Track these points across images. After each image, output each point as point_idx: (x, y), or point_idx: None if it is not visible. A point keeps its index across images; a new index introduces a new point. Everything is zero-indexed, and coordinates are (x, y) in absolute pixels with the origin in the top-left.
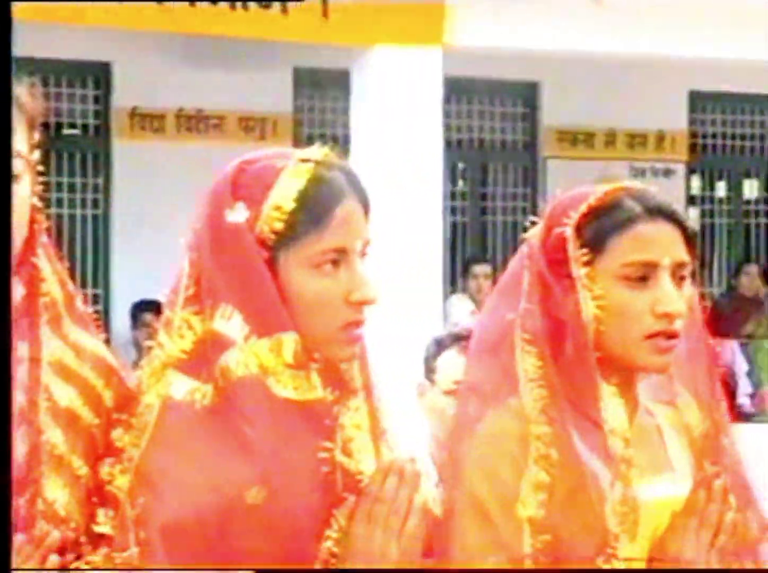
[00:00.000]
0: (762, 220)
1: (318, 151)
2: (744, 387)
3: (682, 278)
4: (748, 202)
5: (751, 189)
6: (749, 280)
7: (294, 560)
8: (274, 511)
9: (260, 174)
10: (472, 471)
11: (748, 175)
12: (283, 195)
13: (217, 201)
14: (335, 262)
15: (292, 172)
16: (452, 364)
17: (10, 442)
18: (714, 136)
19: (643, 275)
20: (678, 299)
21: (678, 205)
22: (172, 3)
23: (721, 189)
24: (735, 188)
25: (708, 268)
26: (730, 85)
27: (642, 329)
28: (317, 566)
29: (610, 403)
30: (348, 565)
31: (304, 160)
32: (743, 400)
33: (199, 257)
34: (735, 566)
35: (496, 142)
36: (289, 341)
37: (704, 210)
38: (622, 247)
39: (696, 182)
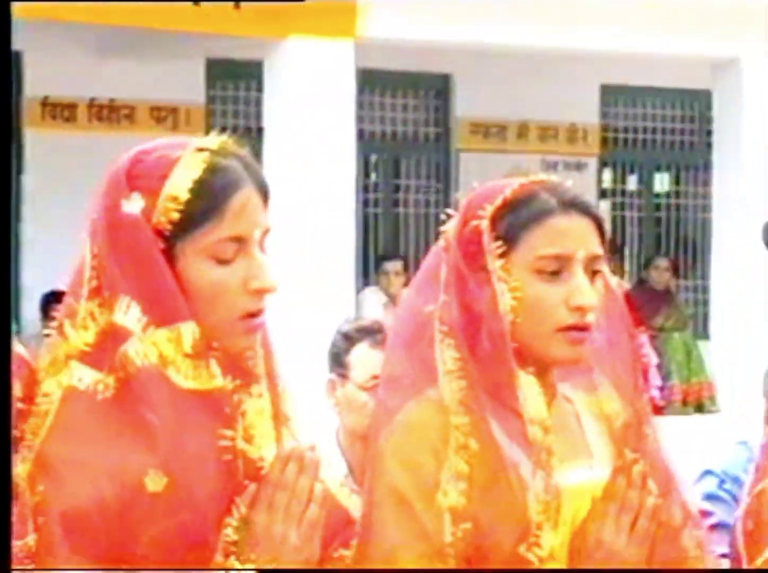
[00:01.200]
0: (672, 214)
1: (214, 140)
2: (653, 379)
3: (595, 272)
4: (658, 195)
5: (661, 182)
6: (659, 273)
7: (195, 548)
8: (175, 499)
9: (156, 164)
10: (392, 462)
11: (658, 169)
12: (179, 185)
13: (112, 191)
14: (233, 252)
15: (188, 162)
16: (367, 358)
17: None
18: (625, 129)
19: (557, 268)
20: (591, 292)
21: (589, 198)
22: None
23: (632, 182)
24: (646, 182)
25: (619, 260)
26: (641, 78)
27: (555, 322)
28: (218, 554)
29: (529, 392)
30: (248, 552)
31: (200, 150)
32: (653, 392)
33: (98, 248)
34: (657, 553)
35: (408, 134)
36: (188, 331)
37: (615, 203)
38: (537, 240)
39: (607, 175)
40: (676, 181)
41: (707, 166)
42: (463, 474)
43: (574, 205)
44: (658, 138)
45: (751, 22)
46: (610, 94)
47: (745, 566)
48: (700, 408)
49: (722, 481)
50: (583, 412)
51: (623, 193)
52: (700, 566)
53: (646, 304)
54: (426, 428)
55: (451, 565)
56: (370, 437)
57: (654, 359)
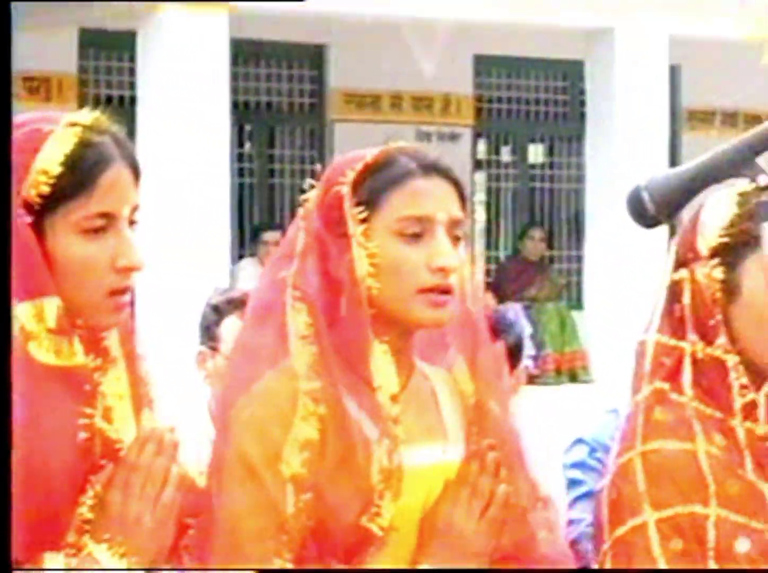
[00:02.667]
0: (546, 185)
1: (87, 115)
2: (527, 349)
3: (456, 238)
4: (533, 166)
5: (535, 154)
6: (534, 244)
7: (48, 524)
8: (28, 473)
9: (27, 138)
10: (241, 430)
11: (533, 140)
12: (50, 159)
13: None
14: (102, 228)
15: (59, 136)
16: (236, 330)
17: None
18: (499, 100)
19: (418, 230)
20: (453, 254)
21: (464, 169)
22: None
23: (506, 153)
24: (520, 153)
25: (494, 231)
26: (515, 49)
27: (416, 283)
28: (71, 532)
29: (381, 361)
30: (102, 532)
31: (72, 124)
32: (527, 362)
33: None
34: (506, 535)
35: (283, 104)
36: (52, 306)
37: (490, 174)
38: (397, 203)
39: (482, 147)
40: (550, 152)
41: (581, 137)
42: (309, 442)
43: (434, 169)
44: (532, 109)
45: None
46: (484, 64)
47: (606, 535)
48: (573, 377)
49: (593, 450)
50: (441, 390)
51: (498, 164)
52: (551, 549)
53: (520, 274)
54: (277, 397)
55: (295, 537)
56: (222, 407)
57: (528, 329)
